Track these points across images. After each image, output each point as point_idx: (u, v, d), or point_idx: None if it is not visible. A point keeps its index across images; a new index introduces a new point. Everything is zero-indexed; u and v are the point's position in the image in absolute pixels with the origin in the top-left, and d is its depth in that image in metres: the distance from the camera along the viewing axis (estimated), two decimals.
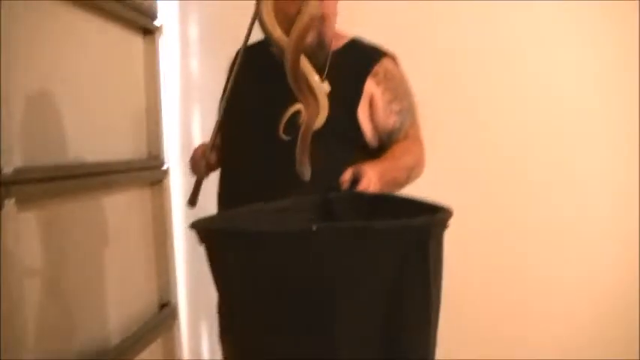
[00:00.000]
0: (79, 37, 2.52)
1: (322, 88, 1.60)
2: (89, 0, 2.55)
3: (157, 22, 3.21)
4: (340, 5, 1.93)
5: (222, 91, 2.06)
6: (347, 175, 1.67)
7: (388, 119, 1.92)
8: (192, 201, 2.05)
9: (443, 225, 1.29)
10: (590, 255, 3.10)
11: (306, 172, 1.63)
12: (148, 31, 3.15)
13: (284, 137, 1.64)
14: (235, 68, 1.95)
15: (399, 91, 1.95)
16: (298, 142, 1.60)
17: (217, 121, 1.98)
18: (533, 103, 3.14)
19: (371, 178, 1.67)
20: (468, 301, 2.96)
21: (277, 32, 1.56)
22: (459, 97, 3.14)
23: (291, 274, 1.24)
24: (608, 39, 3.07)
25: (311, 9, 1.49)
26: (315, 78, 1.57)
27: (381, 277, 1.24)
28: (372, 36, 2.03)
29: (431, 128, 3.01)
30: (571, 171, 3.13)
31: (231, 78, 1.95)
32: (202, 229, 1.37)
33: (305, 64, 1.54)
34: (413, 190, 1.85)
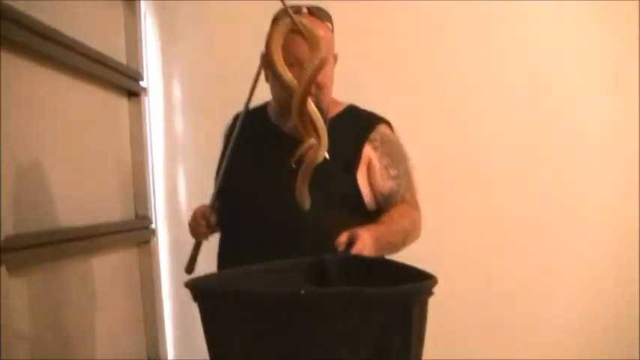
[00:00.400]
0: (66, 102, 2.56)
1: (324, 126, 1.65)
2: (75, 65, 2.60)
3: (142, 84, 3.27)
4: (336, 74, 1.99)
5: (220, 152, 2.11)
6: (343, 238, 1.71)
7: (385, 183, 1.97)
8: (191, 268, 2.08)
9: (427, 292, 1.33)
10: (590, 255, 3.13)
11: (306, 201, 1.67)
12: (134, 93, 3.20)
13: (294, 166, 1.69)
14: (236, 131, 2.00)
15: (396, 156, 2.00)
16: (300, 174, 1.64)
17: (217, 182, 2.02)
18: (532, 104, 3.18)
19: (366, 241, 1.71)
20: (467, 300, 2.97)
21: (288, 75, 1.60)
22: (457, 97, 3.20)
23: (279, 335, 1.28)
24: (608, 39, 3.12)
25: (321, 52, 1.55)
26: (318, 117, 1.63)
27: (365, 339, 1.27)
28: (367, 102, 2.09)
29: (427, 121, 3.13)
30: (571, 171, 3.17)
31: (231, 141, 1.99)
32: (194, 287, 1.41)
33: (310, 105, 1.59)
34: None
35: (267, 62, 1.93)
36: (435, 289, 1.35)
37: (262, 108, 2.09)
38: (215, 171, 2.11)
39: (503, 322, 3.09)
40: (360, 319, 1.26)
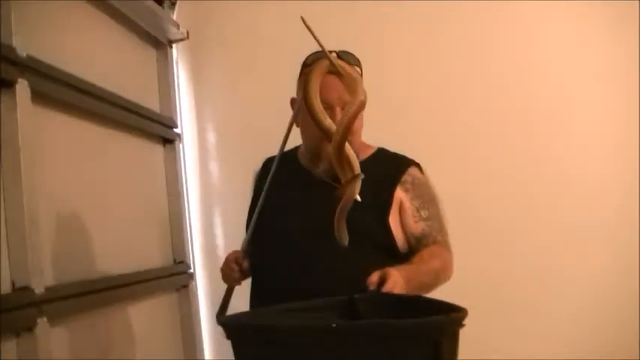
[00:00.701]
0: (103, 152, 2.63)
1: (359, 167, 1.66)
2: (110, 117, 2.67)
3: (176, 130, 3.33)
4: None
5: (251, 198, 2.13)
6: (374, 278, 1.70)
7: (417, 225, 1.97)
8: (223, 313, 2.08)
9: (457, 324, 1.32)
10: (590, 255, 3.07)
11: (344, 237, 1.68)
12: (168, 141, 3.26)
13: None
14: (271, 175, 2.01)
15: (427, 198, 2.00)
16: (338, 211, 1.65)
17: (251, 227, 2.02)
18: (532, 106, 3.15)
19: (397, 280, 1.70)
20: (466, 301, 2.90)
21: (328, 121, 1.62)
22: (458, 101, 3.20)
23: None
24: (608, 40, 3.09)
25: (361, 95, 1.57)
26: (354, 157, 1.65)
27: None
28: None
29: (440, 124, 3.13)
30: (571, 172, 3.12)
31: (265, 186, 2.01)
32: (225, 323, 1.44)
33: (347, 146, 1.61)
34: None
35: (303, 107, 1.96)
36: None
37: (292, 152, 2.11)
38: (247, 216, 2.13)
39: (503, 323, 3.05)
40: (390, 351, 1.26)
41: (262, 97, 3.24)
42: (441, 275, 1.93)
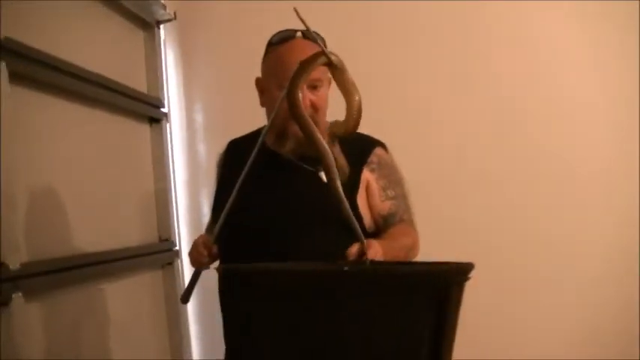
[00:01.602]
0: (89, 131, 2.68)
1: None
2: (96, 97, 2.71)
3: (163, 110, 3.37)
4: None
5: (216, 182, 2.17)
6: (354, 249, 1.71)
7: (384, 204, 2.01)
8: (187, 297, 2.11)
9: (466, 274, 1.33)
10: (590, 255, 3.09)
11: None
12: (155, 120, 3.31)
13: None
14: (248, 162, 1.97)
15: (393, 178, 2.03)
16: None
17: (221, 211, 1.99)
18: (532, 107, 3.18)
19: (377, 250, 1.72)
20: (466, 300, 2.94)
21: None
22: (458, 101, 3.22)
23: (321, 315, 1.28)
24: (608, 40, 3.10)
25: (355, 95, 1.58)
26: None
27: (408, 317, 1.28)
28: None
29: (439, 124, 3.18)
30: (571, 172, 3.15)
31: (245, 170, 1.97)
32: (232, 270, 1.43)
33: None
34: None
35: (268, 87, 2.00)
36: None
37: (256, 134, 2.13)
38: (213, 199, 2.17)
39: (502, 324, 3.09)
40: (401, 297, 1.26)
41: (250, 78, 3.23)
42: (410, 253, 1.96)
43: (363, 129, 1.99)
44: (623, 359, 2.92)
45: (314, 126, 1.54)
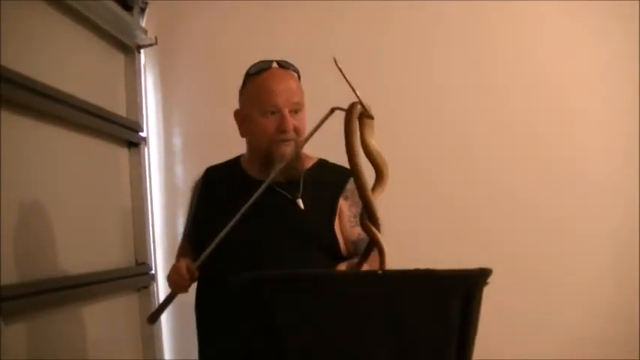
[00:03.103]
0: (67, 155, 2.69)
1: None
2: (75, 121, 2.73)
3: (141, 134, 3.39)
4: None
5: (195, 207, 2.20)
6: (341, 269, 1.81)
7: (353, 230, 2.06)
8: (155, 318, 2.14)
9: (486, 278, 1.40)
10: (590, 255, 3.13)
11: None
12: (134, 144, 3.33)
13: None
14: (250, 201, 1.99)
15: None
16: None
17: (216, 240, 2.00)
18: (531, 108, 3.22)
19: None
20: None
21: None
22: (458, 103, 3.27)
23: (360, 315, 1.31)
24: (608, 40, 3.15)
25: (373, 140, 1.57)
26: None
27: (441, 320, 1.34)
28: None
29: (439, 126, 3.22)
30: (572, 172, 3.19)
31: (251, 203, 1.99)
32: (260, 277, 1.39)
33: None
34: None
35: (250, 116, 2.04)
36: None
37: (234, 162, 2.19)
38: (186, 224, 2.23)
39: (503, 323, 3.01)
40: (436, 299, 1.32)
41: (229, 103, 3.29)
42: None
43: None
44: (623, 359, 2.96)
45: (365, 179, 1.51)
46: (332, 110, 1.81)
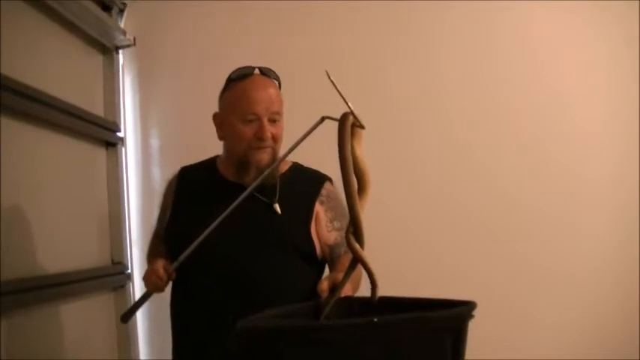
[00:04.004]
0: (44, 154, 2.70)
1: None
2: (53, 121, 2.74)
3: (119, 134, 3.41)
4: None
5: (170, 206, 2.20)
6: (324, 285, 1.81)
7: (330, 235, 2.11)
8: (129, 317, 2.15)
9: (471, 313, 1.44)
10: (590, 255, 3.16)
11: None
12: (111, 144, 3.35)
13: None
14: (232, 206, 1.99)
15: (339, 211, 2.13)
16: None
17: (195, 244, 1.99)
18: (531, 108, 3.25)
19: (348, 288, 1.82)
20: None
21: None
22: (457, 103, 3.30)
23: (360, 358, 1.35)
24: (608, 40, 3.19)
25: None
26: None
27: (435, 355, 1.40)
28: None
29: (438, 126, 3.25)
30: (571, 173, 3.21)
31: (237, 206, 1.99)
32: (260, 328, 1.43)
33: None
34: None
35: (227, 121, 2.07)
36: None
37: (210, 164, 2.21)
38: (157, 221, 2.27)
39: (503, 323, 3.10)
40: (430, 340, 1.38)
41: (206, 105, 3.29)
42: (358, 283, 2.02)
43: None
44: (623, 359, 2.99)
45: (356, 195, 1.52)
46: (322, 119, 1.80)
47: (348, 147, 1.49)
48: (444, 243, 3.20)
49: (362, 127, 1.52)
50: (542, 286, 3.19)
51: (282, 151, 2.11)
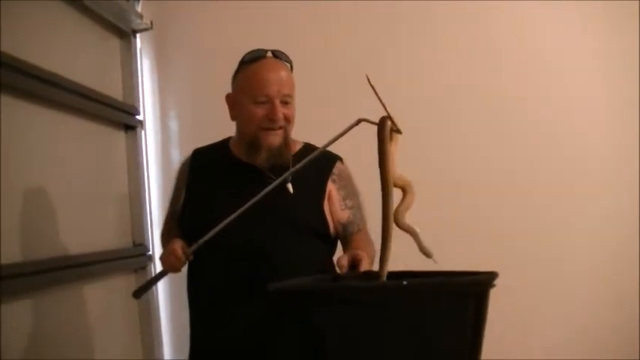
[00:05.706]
0: (65, 138, 2.74)
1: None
2: (73, 105, 2.78)
3: (138, 117, 3.44)
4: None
5: (184, 189, 2.23)
6: (344, 260, 1.86)
7: (343, 213, 2.14)
8: (141, 293, 2.20)
9: (494, 280, 1.51)
10: (589, 255, 3.17)
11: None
12: (130, 127, 3.38)
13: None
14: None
15: (350, 189, 2.17)
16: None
17: (215, 229, 2.00)
18: (531, 108, 3.27)
19: (367, 262, 1.88)
20: None
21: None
22: (458, 102, 3.32)
23: (386, 326, 1.39)
24: (608, 40, 3.19)
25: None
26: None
27: (462, 322, 1.45)
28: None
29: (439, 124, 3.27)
30: (571, 171, 3.23)
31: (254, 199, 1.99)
32: (292, 288, 1.52)
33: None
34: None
35: (239, 101, 2.09)
36: None
37: (223, 145, 2.23)
38: (171, 201, 2.29)
39: (503, 322, 3.07)
40: (457, 304, 1.44)
41: (223, 87, 3.31)
42: (374, 260, 2.04)
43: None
44: (622, 359, 3.00)
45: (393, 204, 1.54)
46: (358, 121, 1.76)
47: (388, 155, 1.50)
48: (444, 243, 3.17)
49: (399, 131, 1.52)
50: (541, 287, 3.21)
51: (294, 135, 2.16)
